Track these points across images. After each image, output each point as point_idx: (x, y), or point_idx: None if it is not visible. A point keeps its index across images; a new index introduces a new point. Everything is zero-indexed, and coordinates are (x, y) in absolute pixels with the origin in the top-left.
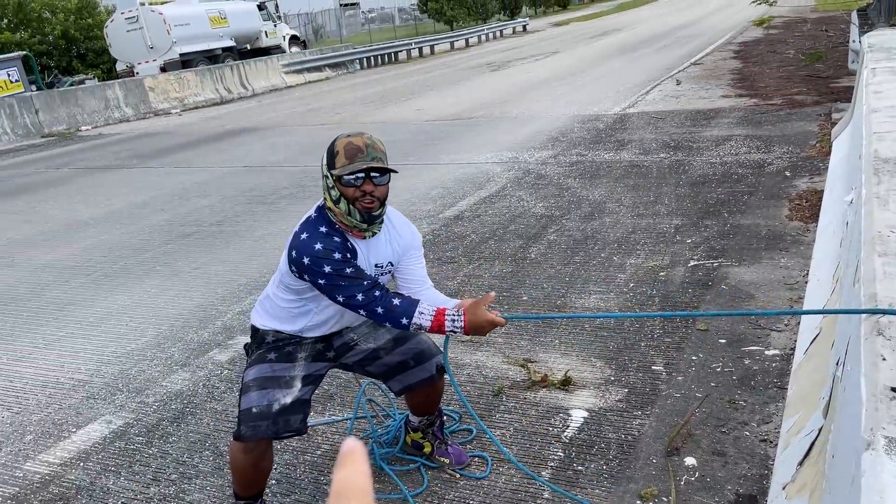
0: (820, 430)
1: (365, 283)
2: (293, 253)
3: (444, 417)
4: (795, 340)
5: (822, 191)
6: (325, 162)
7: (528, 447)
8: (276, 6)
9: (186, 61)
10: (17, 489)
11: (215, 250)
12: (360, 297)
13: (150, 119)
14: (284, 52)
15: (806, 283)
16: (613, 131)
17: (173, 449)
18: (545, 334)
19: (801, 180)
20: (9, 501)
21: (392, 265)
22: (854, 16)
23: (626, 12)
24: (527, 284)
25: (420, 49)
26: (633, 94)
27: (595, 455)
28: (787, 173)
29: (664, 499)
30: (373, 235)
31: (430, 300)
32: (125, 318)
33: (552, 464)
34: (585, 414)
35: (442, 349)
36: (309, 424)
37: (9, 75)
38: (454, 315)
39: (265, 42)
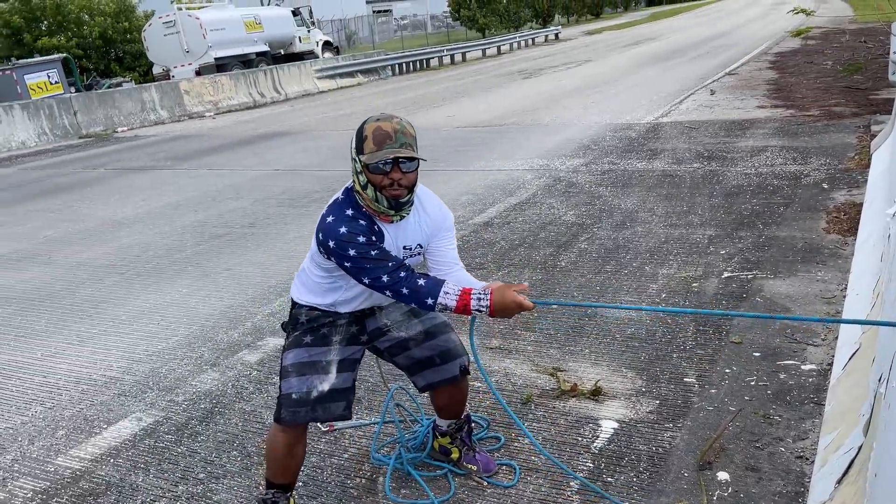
0: (860, 447)
1: (390, 264)
2: (320, 235)
3: (472, 424)
4: (833, 355)
5: (862, 203)
6: (353, 145)
7: (557, 457)
8: (310, 12)
9: (221, 65)
10: (48, 483)
11: (246, 252)
12: (385, 278)
13: (185, 122)
14: (317, 57)
15: (844, 297)
16: (646, 140)
17: (202, 448)
18: (575, 343)
19: (839, 192)
20: (40, 496)
21: (421, 247)
22: (894, 27)
23: (659, 22)
24: (557, 293)
25: (452, 56)
26: (667, 104)
27: (625, 467)
28: (825, 185)
29: None
30: (401, 219)
31: (458, 281)
32: (157, 317)
33: (581, 474)
34: (616, 425)
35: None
36: (336, 427)
37: (49, 77)
38: (480, 294)
39: (298, 47)
